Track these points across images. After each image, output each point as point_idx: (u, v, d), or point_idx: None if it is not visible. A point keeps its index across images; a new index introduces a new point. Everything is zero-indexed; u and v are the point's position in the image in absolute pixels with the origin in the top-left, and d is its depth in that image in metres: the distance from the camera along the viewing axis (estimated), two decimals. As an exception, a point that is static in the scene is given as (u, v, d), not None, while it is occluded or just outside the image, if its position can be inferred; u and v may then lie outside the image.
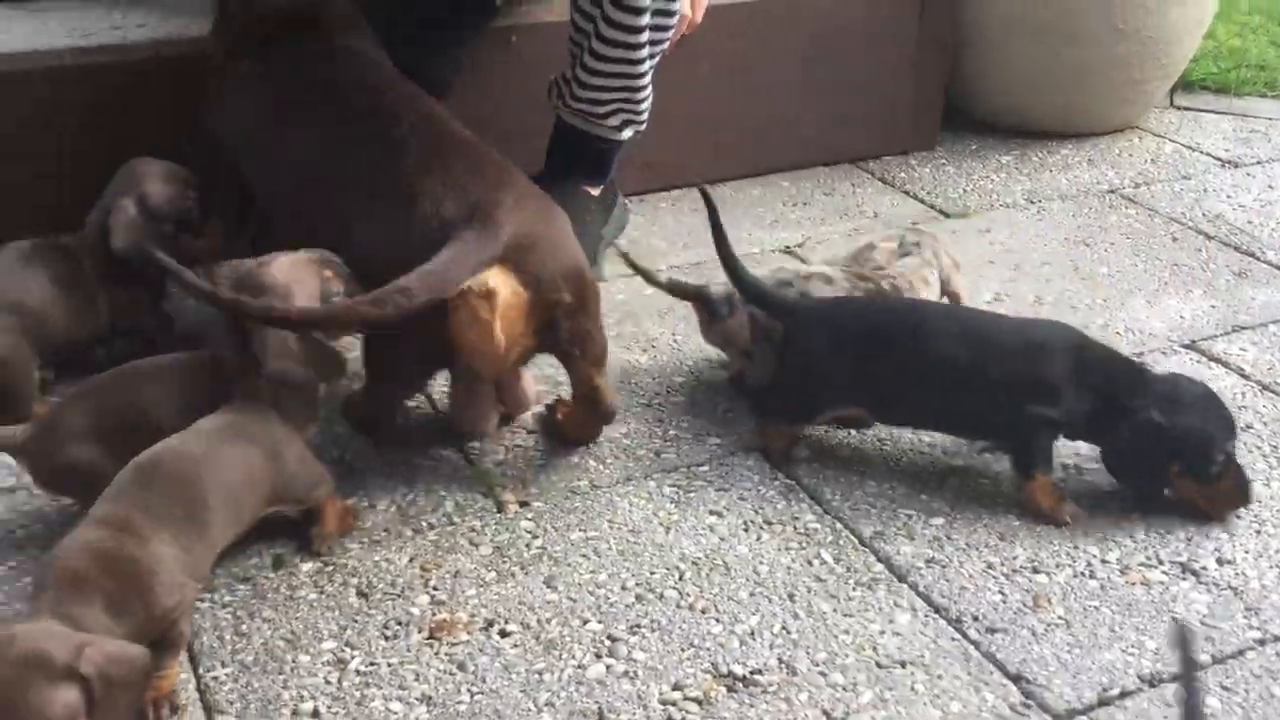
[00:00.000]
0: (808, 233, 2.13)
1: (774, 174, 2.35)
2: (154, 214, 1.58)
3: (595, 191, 1.97)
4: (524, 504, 1.43)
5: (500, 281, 1.33)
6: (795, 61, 2.28)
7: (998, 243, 2.10)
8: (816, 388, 1.45)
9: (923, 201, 2.27)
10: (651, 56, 1.84)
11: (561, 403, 1.56)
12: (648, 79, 1.87)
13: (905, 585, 1.30)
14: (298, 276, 1.35)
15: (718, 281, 1.58)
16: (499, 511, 1.41)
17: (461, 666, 1.18)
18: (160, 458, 1.20)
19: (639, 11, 1.75)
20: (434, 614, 1.25)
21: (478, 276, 1.32)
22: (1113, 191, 2.32)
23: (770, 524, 1.39)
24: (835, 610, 1.26)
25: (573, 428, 1.54)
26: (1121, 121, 2.60)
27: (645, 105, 1.90)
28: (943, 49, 2.42)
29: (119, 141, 1.66)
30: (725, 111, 2.25)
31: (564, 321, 1.39)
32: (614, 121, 1.90)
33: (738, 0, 2.21)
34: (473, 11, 1.99)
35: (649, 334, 1.79)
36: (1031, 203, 2.27)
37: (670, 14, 1.82)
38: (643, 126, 1.94)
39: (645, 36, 1.79)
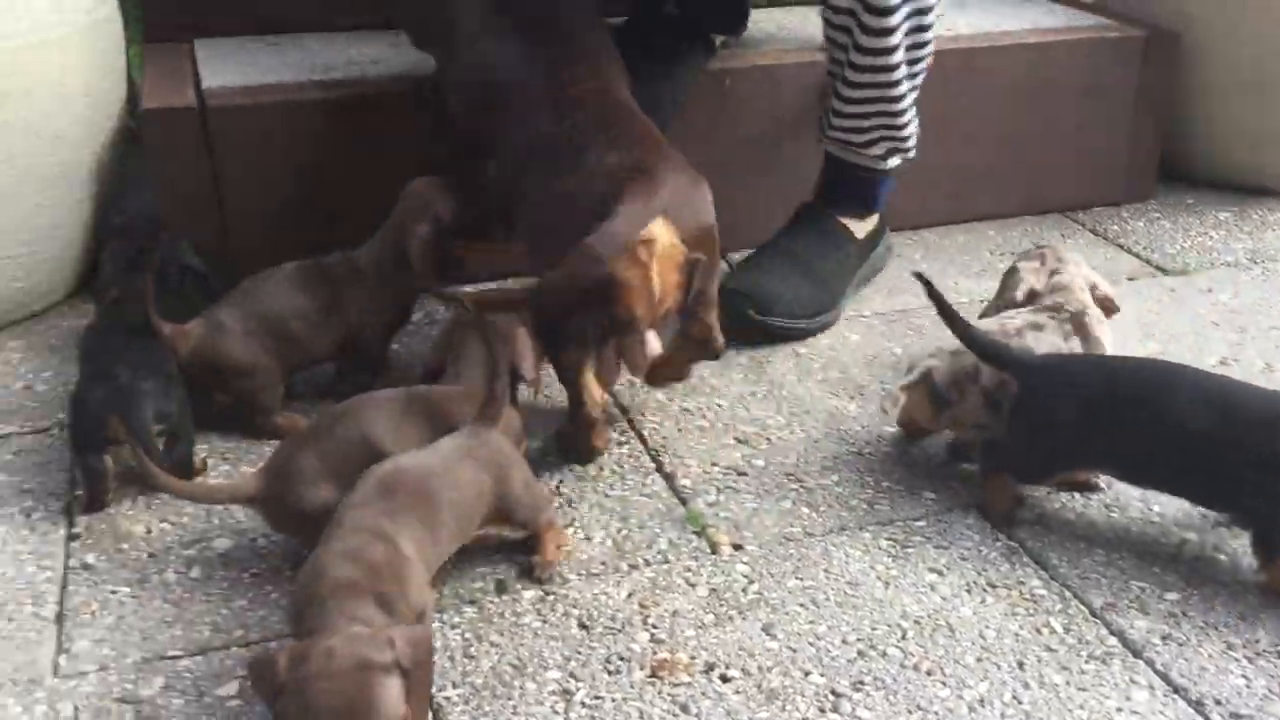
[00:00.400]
0: (1016, 284, 2.08)
1: (980, 221, 2.31)
2: (448, 231, 1.62)
3: (861, 224, 1.97)
4: (738, 547, 1.43)
5: (661, 230, 1.39)
6: (1005, 108, 2.24)
7: (1221, 303, 2.02)
8: (1051, 446, 1.41)
9: (1138, 256, 2.20)
10: (911, 77, 1.85)
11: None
12: (908, 103, 1.87)
13: (1141, 661, 1.25)
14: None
15: (927, 361, 1.54)
16: (712, 553, 1.42)
17: (684, 708, 1.19)
18: (400, 469, 1.24)
19: (890, 31, 1.76)
20: (654, 652, 1.26)
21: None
22: (1343, 254, 2.21)
23: (994, 587, 1.36)
24: (1068, 683, 1.22)
25: (674, 367, 1.60)
26: (1350, 180, 2.48)
27: (910, 132, 1.90)
28: (1162, 102, 2.35)
29: (357, 172, 1.73)
30: (931, 157, 2.21)
31: (698, 279, 1.45)
32: (877, 150, 1.90)
33: (950, 47, 2.19)
34: (692, 52, 2.02)
35: (856, 380, 1.78)
36: (1255, 262, 2.17)
37: (925, 28, 1.83)
38: (911, 154, 1.94)
39: (900, 57, 1.80)
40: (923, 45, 1.85)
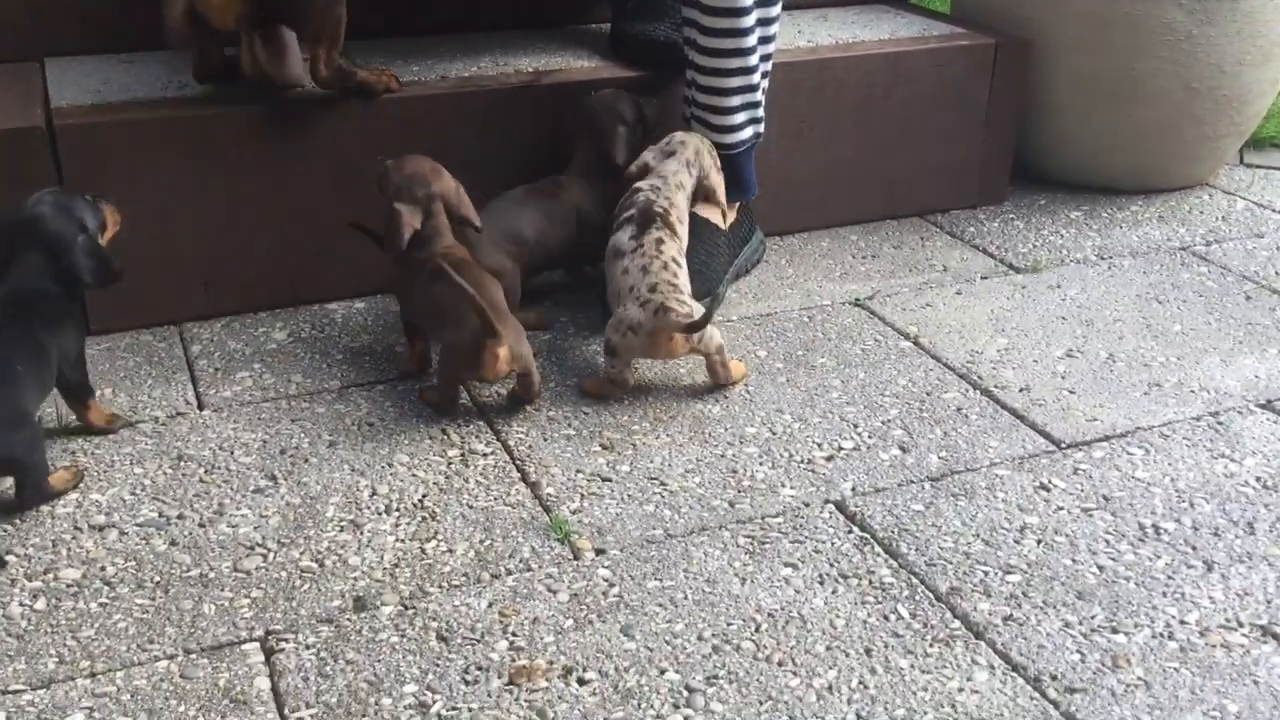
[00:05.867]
0: (877, 285, 2.14)
1: (842, 226, 2.37)
2: (635, 126, 2.00)
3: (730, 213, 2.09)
4: (600, 551, 1.44)
5: None
6: (863, 116, 2.30)
7: (1069, 299, 2.10)
8: None
9: (991, 255, 2.27)
10: (765, 48, 2.02)
11: None
12: (762, 74, 2.03)
13: (983, 642, 1.29)
14: None
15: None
16: (575, 559, 1.43)
17: (541, 713, 1.20)
18: None
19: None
20: (513, 660, 1.27)
21: None
22: (1184, 249, 2.31)
23: (845, 577, 1.40)
24: (912, 666, 1.26)
25: None
26: (1192, 179, 2.60)
27: (763, 102, 2.06)
28: (1013, 108, 2.44)
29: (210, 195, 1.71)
30: (793, 165, 2.27)
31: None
32: (739, 119, 2.03)
33: (809, 58, 2.24)
34: None
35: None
36: (1102, 259, 2.27)
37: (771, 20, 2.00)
38: (761, 128, 2.07)
39: (753, 32, 1.97)
40: (771, 24, 2.00)
